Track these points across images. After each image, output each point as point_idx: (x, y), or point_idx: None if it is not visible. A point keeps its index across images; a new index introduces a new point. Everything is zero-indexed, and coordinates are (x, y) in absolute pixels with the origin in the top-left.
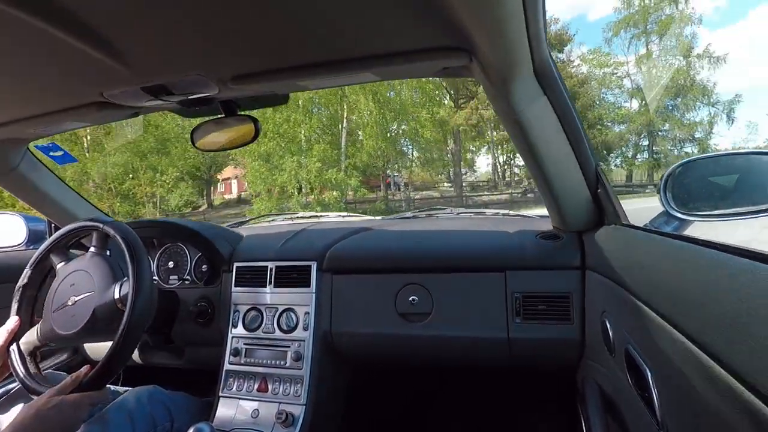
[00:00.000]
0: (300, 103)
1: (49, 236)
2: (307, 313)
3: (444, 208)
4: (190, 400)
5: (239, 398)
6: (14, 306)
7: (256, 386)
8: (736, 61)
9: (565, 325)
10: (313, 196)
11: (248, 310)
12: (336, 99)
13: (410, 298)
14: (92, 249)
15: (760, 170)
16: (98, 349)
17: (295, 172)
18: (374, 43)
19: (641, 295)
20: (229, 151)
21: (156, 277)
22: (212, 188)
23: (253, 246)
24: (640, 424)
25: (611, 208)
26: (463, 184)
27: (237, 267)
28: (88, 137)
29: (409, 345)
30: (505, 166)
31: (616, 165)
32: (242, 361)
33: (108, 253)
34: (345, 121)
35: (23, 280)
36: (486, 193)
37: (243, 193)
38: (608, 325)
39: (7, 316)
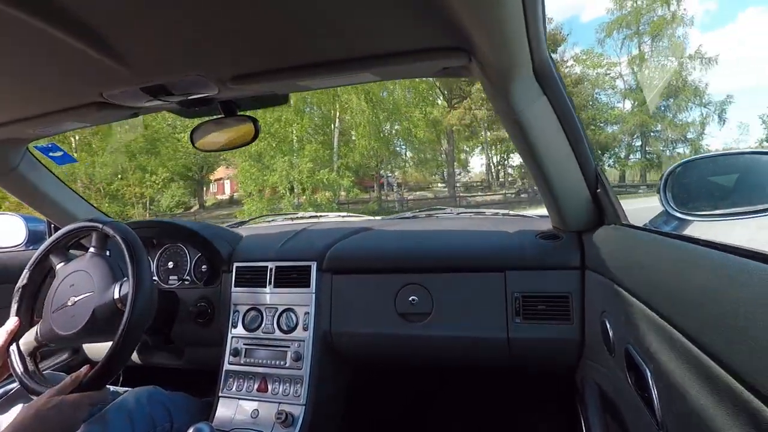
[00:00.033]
0: (292, 102)
1: (49, 237)
2: (306, 313)
3: (444, 208)
4: (190, 400)
5: (239, 398)
6: (14, 306)
7: (255, 386)
8: (726, 62)
9: (564, 325)
10: (305, 197)
11: (248, 311)
12: (328, 98)
13: (410, 298)
14: (92, 249)
15: (759, 170)
16: (98, 349)
17: (287, 173)
18: (374, 43)
19: (641, 295)
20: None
21: (156, 278)
22: (205, 189)
23: (252, 246)
24: (639, 424)
25: (611, 208)
26: (457, 185)
27: (237, 267)
28: (76, 137)
29: (409, 345)
30: (499, 167)
31: (609, 165)
32: (242, 362)
33: (108, 253)
34: (337, 120)
35: (23, 280)
36: (480, 193)
37: (235, 193)
38: (608, 325)
39: (7, 317)
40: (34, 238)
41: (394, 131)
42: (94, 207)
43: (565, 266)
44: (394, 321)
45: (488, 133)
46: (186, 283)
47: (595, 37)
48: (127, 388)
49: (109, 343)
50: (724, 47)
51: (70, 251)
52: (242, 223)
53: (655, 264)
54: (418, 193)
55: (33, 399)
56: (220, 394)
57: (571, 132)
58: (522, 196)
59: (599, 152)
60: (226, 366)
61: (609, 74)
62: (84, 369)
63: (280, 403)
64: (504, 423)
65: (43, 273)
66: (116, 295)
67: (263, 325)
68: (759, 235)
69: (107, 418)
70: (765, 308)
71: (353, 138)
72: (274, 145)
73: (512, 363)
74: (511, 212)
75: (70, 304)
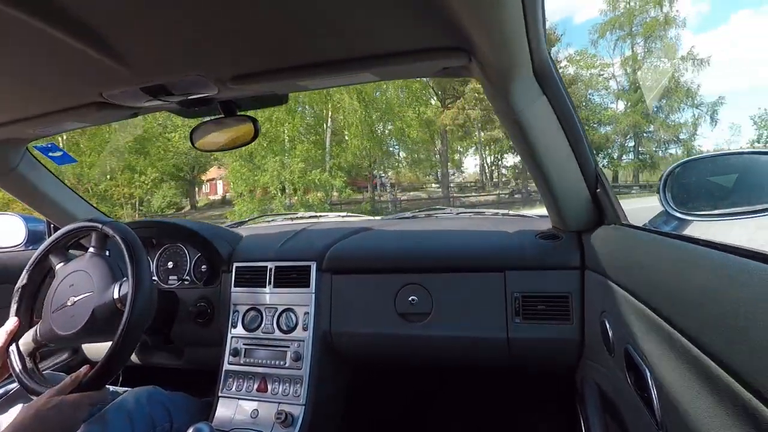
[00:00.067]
0: None
1: (49, 237)
2: (306, 313)
3: (443, 208)
4: (190, 400)
5: (239, 398)
6: (13, 306)
7: (255, 386)
8: (718, 64)
9: (564, 325)
10: (296, 197)
11: (248, 311)
12: (321, 98)
13: (410, 298)
14: (91, 249)
15: (759, 170)
16: (98, 349)
17: (278, 173)
18: (374, 43)
19: (641, 295)
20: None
21: (155, 278)
22: (197, 189)
23: (252, 246)
24: (639, 424)
25: (611, 207)
26: (451, 185)
27: (236, 267)
28: (64, 137)
29: (409, 345)
30: (493, 167)
31: (603, 166)
32: (242, 362)
33: (107, 253)
34: (330, 120)
35: (22, 280)
36: (473, 194)
37: (228, 194)
38: (607, 325)
39: (7, 317)
40: (33, 238)
41: (387, 131)
42: (94, 207)
43: (565, 266)
44: (393, 321)
45: (482, 134)
46: (186, 283)
47: (589, 38)
48: (126, 388)
49: (109, 343)
50: (716, 49)
51: (70, 251)
52: (242, 223)
53: (654, 264)
54: (411, 193)
55: (33, 399)
56: (219, 394)
57: (570, 132)
58: (516, 196)
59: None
60: (226, 366)
61: (602, 75)
62: (84, 369)
63: (279, 403)
64: (504, 423)
65: (42, 273)
66: (116, 295)
67: (263, 325)
68: (757, 236)
69: (107, 418)
70: (765, 308)
71: (346, 138)
72: (265, 144)
73: (512, 363)
74: (510, 212)
75: (69, 304)
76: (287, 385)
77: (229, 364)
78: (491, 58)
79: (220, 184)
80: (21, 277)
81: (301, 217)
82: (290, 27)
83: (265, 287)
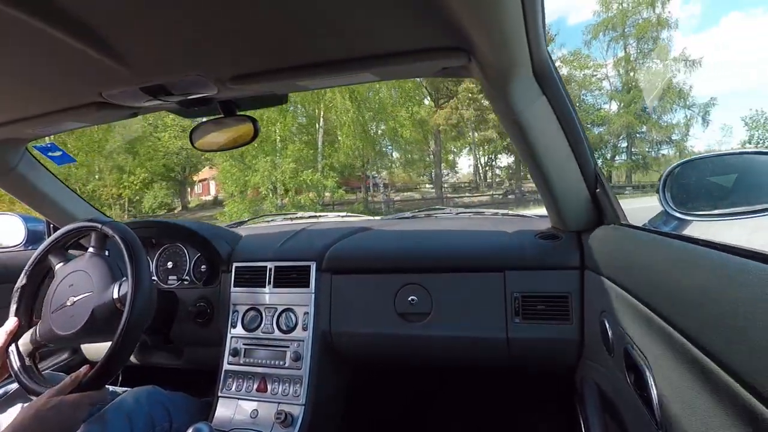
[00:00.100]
0: None
1: (48, 237)
2: (306, 313)
3: (443, 208)
4: (189, 400)
5: (238, 398)
6: (13, 307)
7: (255, 386)
8: (710, 65)
9: (564, 325)
10: (288, 198)
11: (247, 311)
12: (313, 97)
13: (409, 298)
14: (91, 249)
15: (758, 170)
16: (97, 349)
17: (269, 173)
18: (374, 43)
19: (640, 295)
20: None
21: (155, 277)
22: (189, 189)
23: (252, 246)
24: (638, 424)
25: (610, 208)
26: (445, 186)
27: (236, 267)
28: (51, 136)
29: (409, 345)
30: (487, 168)
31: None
32: (241, 361)
33: (107, 253)
34: (322, 120)
35: (22, 280)
36: (467, 194)
37: (220, 194)
38: (607, 325)
39: (6, 317)
40: (33, 238)
41: (380, 131)
42: (94, 207)
43: (565, 266)
44: (393, 321)
45: (475, 134)
46: (185, 283)
47: (582, 39)
48: (126, 388)
49: (109, 343)
50: (708, 50)
51: (69, 251)
52: (241, 223)
53: (654, 264)
54: (405, 193)
55: (32, 399)
56: (219, 394)
57: (570, 132)
58: (509, 197)
59: None
60: (226, 366)
61: (595, 75)
62: (83, 369)
63: (279, 403)
64: (503, 423)
65: (42, 273)
66: (115, 295)
67: (262, 325)
68: (755, 236)
69: (106, 418)
70: (764, 308)
71: (338, 138)
72: (256, 144)
73: (512, 363)
74: (510, 212)
75: (69, 304)
76: (287, 385)
77: (229, 364)
78: (491, 58)
79: (212, 185)
80: (20, 277)
81: (301, 217)
82: (290, 27)
83: (264, 287)
